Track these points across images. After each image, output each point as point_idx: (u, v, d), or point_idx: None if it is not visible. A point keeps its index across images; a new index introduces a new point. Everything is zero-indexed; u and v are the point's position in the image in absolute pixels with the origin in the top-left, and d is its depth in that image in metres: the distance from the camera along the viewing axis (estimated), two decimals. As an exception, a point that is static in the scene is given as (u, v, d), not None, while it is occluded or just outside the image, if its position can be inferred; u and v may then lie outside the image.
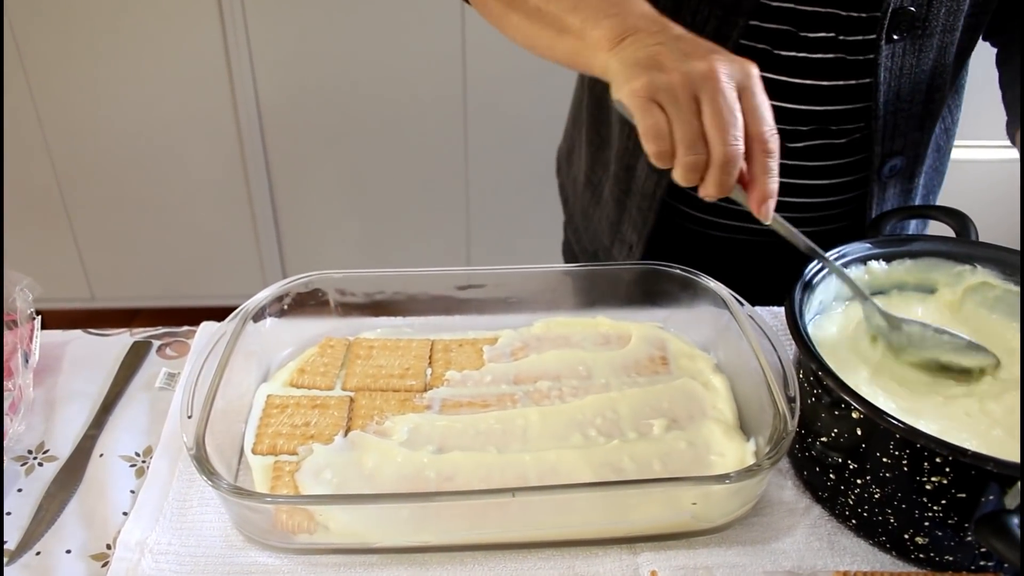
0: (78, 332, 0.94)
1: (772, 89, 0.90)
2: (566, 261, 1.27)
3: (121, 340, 0.93)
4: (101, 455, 0.80)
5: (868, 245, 0.82)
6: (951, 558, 0.68)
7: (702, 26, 0.89)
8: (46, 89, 2.05)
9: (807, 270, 0.78)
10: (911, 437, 0.63)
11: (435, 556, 0.70)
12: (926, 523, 0.66)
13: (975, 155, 2.11)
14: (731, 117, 0.63)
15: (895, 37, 0.86)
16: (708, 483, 0.68)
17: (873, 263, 0.82)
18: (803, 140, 0.95)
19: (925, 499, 0.65)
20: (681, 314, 0.89)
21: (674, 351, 0.87)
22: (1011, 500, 0.61)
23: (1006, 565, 0.66)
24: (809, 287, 0.78)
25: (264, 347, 0.85)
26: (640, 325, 0.89)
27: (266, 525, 0.68)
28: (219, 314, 0.82)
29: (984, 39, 0.97)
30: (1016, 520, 0.59)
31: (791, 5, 0.87)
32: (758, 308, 0.83)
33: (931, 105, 0.95)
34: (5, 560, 0.70)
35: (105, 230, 2.26)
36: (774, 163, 0.66)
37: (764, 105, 0.66)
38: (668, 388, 0.82)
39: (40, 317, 0.88)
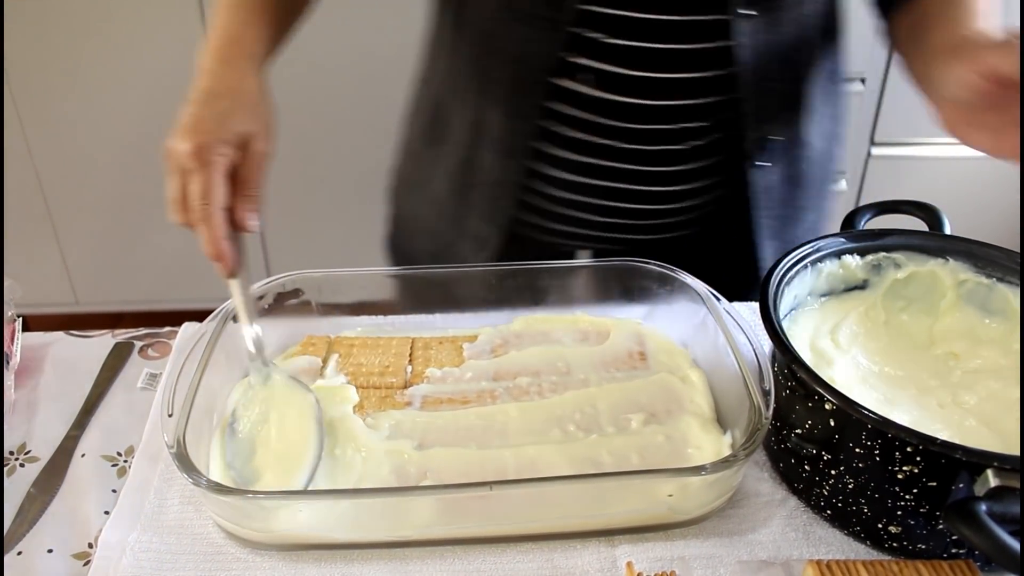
0: (60, 334, 0.94)
1: (610, 81, 0.87)
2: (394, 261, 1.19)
3: (103, 341, 0.94)
4: (83, 455, 0.80)
5: (842, 239, 0.83)
6: (924, 546, 0.69)
7: None
8: (28, 93, 2.04)
9: (781, 266, 0.79)
10: (882, 427, 0.64)
11: (414, 550, 0.70)
12: (899, 512, 0.67)
13: (952, 152, 2.13)
14: (202, 191, 0.75)
15: (747, 12, 0.83)
16: (684, 475, 0.68)
17: (847, 257, 0.83)
18: (642, 143, 0.92)
19: (897, 488, 0.66)
20: (659, 310, 0.90)
21: (652, 347, 0.87)
22: (980, 488, 0.62)
23: (976, 552, 0.67)
24: (784, 282, 0.79)
25: (245, 346, 0.85)
26: (619, 321, 0.90)
27: (247, 521, 0.69)
28: (204, 317, 0.83)
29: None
30: (985, 507, 0.60)
31: None
32: (735, 304, 0.84)
33: (799, 83, 0.92)
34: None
35: (89, 234, 2.26)
36: None
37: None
38: (646, 383, 0.83)
39: (22, 319, 0.88)
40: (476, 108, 0.96)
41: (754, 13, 0.84)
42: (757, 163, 0.94)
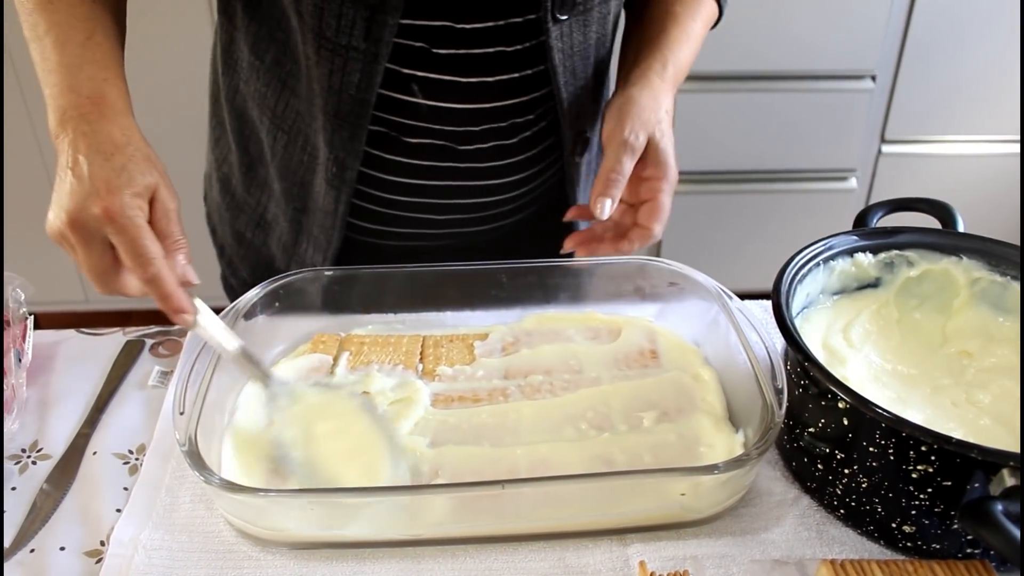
0: (71, 332, 0.95)
1: (437, 89, 0.86)
2: (228, 297, 1.13)
3: (114, 339, 0.94)
4: (95, 453, 0.80)
5: (855, 237, 0.83)
6: (938, 546, 0.68)
7: (349, 29, 0.81)
8: (38, 91, 2.04)
9: (794, 263, 0.79)
10: (896, 426, 0.64)
11: (427, 549, 0.70)
12: (913, 511, 0.67)
13: (963, 150, 2.12)
14: (134, 251, 0.67)
15: (561, 17, 0.84)
16: (697, 474, 0.68)
17: (860, 255, 0.83)
18: (475, 142, 0.91)
19: (912, 488, 0.66)
20: (671, 308, 0.89)
21: (664, 345, 0.87)
22: (996, 487, 0.62)
23: (992, 552, 0.67)
24: (796, 280, 0.78)
25: (256, 344, 0.85)
26: (630, 319, 0.90)
27: (258, 519, 0.69)
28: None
29: None
30: (1000, 507, 0.60)
31: None
32: (747, 302, 0.84)
33: (600, 76, 0.95)
34: None
35: (99, 232, 2.26)
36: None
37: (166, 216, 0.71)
38: (658, 381, 0.82)
39: (33, 317, 0.88)
40: (300, 134, 0.92)
41: (565, 18, 0.85)
42: (576, 158, 0.97)
